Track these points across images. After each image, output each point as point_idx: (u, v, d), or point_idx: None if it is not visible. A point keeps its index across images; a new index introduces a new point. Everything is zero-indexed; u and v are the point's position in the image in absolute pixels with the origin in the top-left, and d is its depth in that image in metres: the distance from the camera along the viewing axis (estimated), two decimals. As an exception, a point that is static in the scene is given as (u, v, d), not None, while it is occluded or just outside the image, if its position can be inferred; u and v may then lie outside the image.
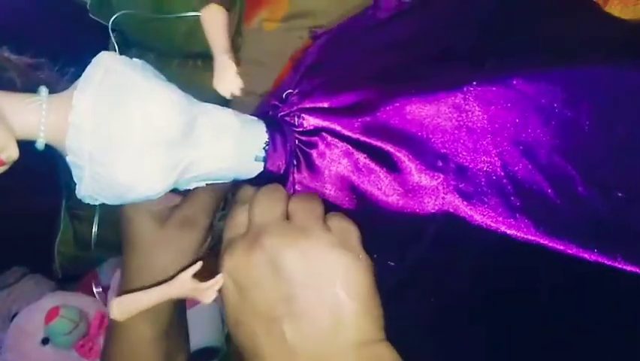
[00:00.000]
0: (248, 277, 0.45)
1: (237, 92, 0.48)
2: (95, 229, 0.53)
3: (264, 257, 0.44)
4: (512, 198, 0.50)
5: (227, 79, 0.48)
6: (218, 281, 0.48)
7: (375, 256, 0.51)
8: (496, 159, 0.50)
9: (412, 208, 0.52)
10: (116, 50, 0.47)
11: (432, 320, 0.55)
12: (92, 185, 0.45)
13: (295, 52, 0.77)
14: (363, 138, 0.52)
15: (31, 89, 0.44)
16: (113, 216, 1.11)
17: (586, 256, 0.49)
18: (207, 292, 0.48)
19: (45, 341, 1.06)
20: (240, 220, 0.49)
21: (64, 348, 1.06)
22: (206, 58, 1.03)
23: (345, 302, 0.43)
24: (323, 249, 0.45)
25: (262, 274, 0.44)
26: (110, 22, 0.50)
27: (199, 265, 0.49)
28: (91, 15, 1.05)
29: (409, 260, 0.53)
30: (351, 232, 0.48)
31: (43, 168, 1.12)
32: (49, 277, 1.25)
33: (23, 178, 1.07)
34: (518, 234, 0.50)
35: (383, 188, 0.52)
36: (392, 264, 0.53)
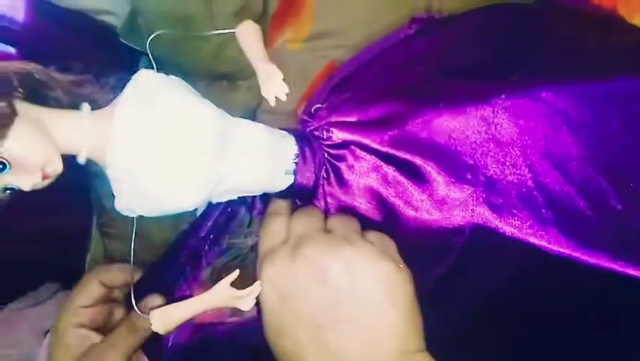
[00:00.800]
0: (291, 284, 0.45)
1: (284, 98, 0.49)
2: (132, 244, 0.55)
3: (308, 265, 0.44)
4: (543, 210, 0.50)
5: (274, 84, 0.49)
6: (255, 288, 0.48)
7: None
8: (526, 171, 0.51)
9: (440, 221, 0.52)
10: (153, 68, 0.48)
11: (457, 333, 0.55)
12: (130, 198, 0.46)
13: (320, 71, 0.78)
14: (391, 151, 0.52)
15: (75, 106, 0.46)
16: (144, 235, 1.14)
17: (619, 268, 0.49)
18: (246, 300, 0.49)
19: None
20: (277, 229, 0.50)
21: (95, 363, 1.06)
22: (231, 78, 1.04)
23: (389, 310, 0.43)
24: (366, 258, 0.45)
25: (306, 282, 0.44)
26: (148, 41, 0.51)
27: (236, 273, 0.50)
28: (121, 39, 1.08)
29: (436, 273, 0.54)
30: (389, 243, 0.49)
31: (76, 186, 1.15)
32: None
33: (56, 196, 1.10)
34: (550, 246, 0.50)
35: (412, 201, 0.53)
36: (418, 278, 0.54)
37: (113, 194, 0.48)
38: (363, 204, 0.54)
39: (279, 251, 0.47)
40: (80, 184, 1.16)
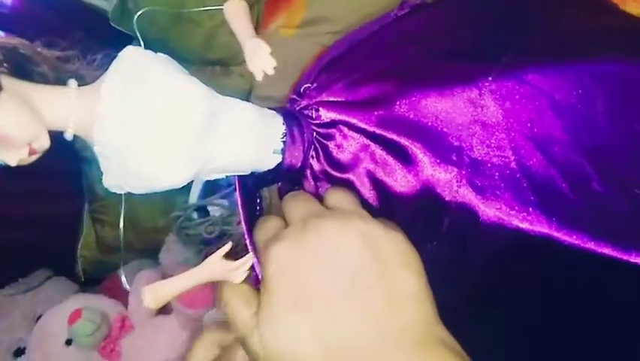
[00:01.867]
0: (305, 258, 0.43)
1: (271, 71, 0.49)
2: (121, 226, 0.54)
3: (321, 237, 0.42)
4: (526, 192, 0.50)
5: (261, 58, 0.48)
6: (248, 260, 0.48)
7: None
8: (511, 153, 0.50)
9: (427, 198, 0.52)
10: (141, 45, 0.48)
11: (445, 310, 0.55)
12: (119, 175, 0.46)
13: (313, 57, 0.77)
14: (379, 131, 0.52)
15: (62, 82, 0.46)
16: (134, 221, 1.14)
17: (600, 250, 0.48)
18: (237, 271, 0.49)
19: (68, 342, 1.07)
20: (274, 222, 0.48)
21: (87, 349, 1.06)
22: (224, 64, 1.04)
23: (409, 276, 0.42)
24: (378, 229, 0.43)
25: (321, 254, 0.42)
26: (135, 18, 0.51)
27: (229, 245, 0.50)
28: (112, 24, 1.07)
29: (427, 248, 0.54)
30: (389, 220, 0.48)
31: (67, 173, 1.15)
32: (72, 279, 1.26)
33: (47, 183, 1.10)
34: (532, 227, 0.50)
35: (399, 179, 0.53)
36: None
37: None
38: (355, 180, 0.54)
39: (285, 232, 0.44)
40: (71, 171, 1.16)
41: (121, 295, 1.15)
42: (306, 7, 0.88)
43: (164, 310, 1.12)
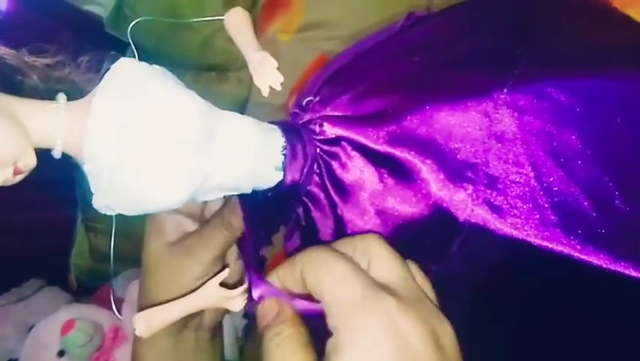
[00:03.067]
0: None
1: (278, 87, 0.45)
2: (112, 241, 0.50)
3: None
4: (547, 211, 0.46)
5: (268, 73, 0.45)
6: (246, 288, 0.45)
7: None
8: (530, 169, 0.47)
9: (438, 219, 0.48)
10: (135, 57, 0.44)
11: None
12: (110, 195, 0.42)
13: (311, 63, 0.74)
14: (388, 150, 0.48)
15: (51, 96, 0.42)
16: (128, 229, 1.10)
17: (622, 270, 0.45)
18: (236, 300, 0.45)
19: (61, 354, 1.05)
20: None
21: (79, 360, 1.03)
22: (221, 70, 1.00)
23: None
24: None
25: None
26: (129, 28, 0.47)
27: (226, 272, 0.46)
28: (107, 29, 1.03)
29: (433, 270, 0.50)
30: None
31: (60, 181, 1.11)
32: (65, 289, 1.22)
33: (40, 191, 1.06)
34: (552, 246, 0.46)
35: (407, 200, 0.49)
36: None
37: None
38: (359, 204, 0.50)
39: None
40: (64, 179, 1.12)
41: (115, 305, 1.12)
42: (303, 12, 0.85)
43: None
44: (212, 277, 0.47)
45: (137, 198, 0.42)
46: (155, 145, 0.41)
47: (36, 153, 0.41)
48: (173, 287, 0.49)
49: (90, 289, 1.22)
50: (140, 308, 0.49)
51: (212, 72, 1.02)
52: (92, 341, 1.04)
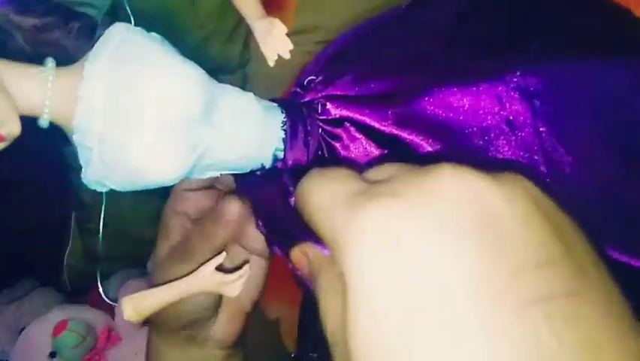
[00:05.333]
0: None
1: (287, 55, 0.41)
2: (100, 229, 0.46)
3: None
4: (556, 199, 0.43)
5: (277, 39, 0.40)
6: (245, 273, 0.40)
7: None
8: (540, 155, 0.43)
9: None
10: (131, 22, 0.40)
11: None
12: (101, 168, 0.37)
13: (303, 66, 0.72)
14: (394, 131, 0.44)
15: (39, 60, 0.38)
16: (122, 229, 1.06)
17: (633, 263, 0.42)
18: (233, 285, 0.41)
19: (53, 355, 1.01)
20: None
21: (71, 361, 0.99)
22: (214, 72, 0.97)
23: None
24: None
25: None
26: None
27: (223, 255, 0.42)
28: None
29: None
30: None
31: (53, 180, 1.07)
32: (58, 289, 1.17)
33: (33, 191, 1.02)
34: None
35: None
36: None
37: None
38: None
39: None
40: (57, 178, 1.08)
41: (108, 306, 1.08)
42: (296, 16, 0.83)
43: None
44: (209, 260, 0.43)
45: (129, 172, 0.37)
46: (150, 115, 0.37)
47: (25, 133, 0.37)
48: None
49: (84, 289, 1.17)
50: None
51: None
52: (84, 342, 1.00)
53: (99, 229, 1.08)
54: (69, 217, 1.12)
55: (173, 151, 0.37)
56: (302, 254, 0.33)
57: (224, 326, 0.49)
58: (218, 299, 0.47)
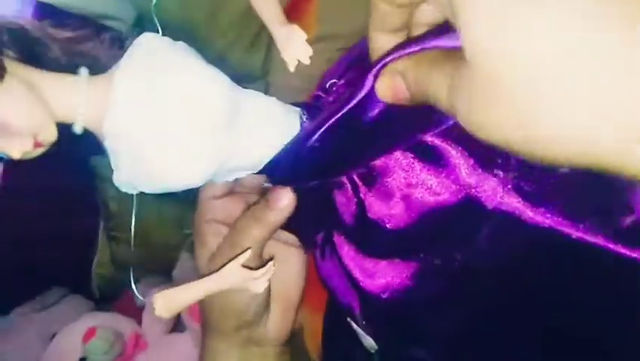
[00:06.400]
0: None
1: (307, 60, 0.42)
2: (132, 229, 0.47)
3: None
4: (580, 200, 0.42)
5: (296, 46, 0.41)
6: (270, 269, 0.41)
7: (421, 255, 0.46)
8: None
9: (464, 207, 0.45)
10: (158, 32, 0.41)
11: (483, 324, 0.47)
12: (131, 172, 0.39)
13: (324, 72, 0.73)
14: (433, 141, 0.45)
15: (74, 69, 0.39)
16: (148, 237, 1.07)
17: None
18: (259, 280, 0.42)
19: None
20: None
21: (101, 368, 1.01)
22: (234, 82, 0.98)
23: None
24: None
25: None
26: (153, 2, 0.45)
27: (249, 253, 0.42)
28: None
29: (458, 261, 0.46)
30: None
31: (82, 189, 1.09)
32: (87, 297, 1.19)
33: (62, 201, 1.04)
34: (589, 239, 0.42)
35: (433, 187, 0.45)
36: (438, 262, 0.46)
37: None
38: (383, 191, 0.47)
39: None
40: (86, 188, 1.10)
41: (135, 313, 1.11)
42: (317, 24, 0.83)
43: (178, 327, 1.07)
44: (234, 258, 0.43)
45: (157, 175, 0.38)
46: (178, 121, 0.38)
47: (58, 130, 0.38)
48: (223, 300, 0.46)
49: (112, 297, 1.19)
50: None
51: None
52: (112, 349, 1.02)
53: (127, 237, 1.10)
54: (97, 226, 1.14)
55: (198, 156, 0.38)
56: (393, 78, 0.34)
57: (278, 324, 0.50)
58: (268, 297, 0.48)
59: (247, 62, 0.73)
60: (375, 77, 0.36)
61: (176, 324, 1.07)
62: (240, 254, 0.43)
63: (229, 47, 0.93)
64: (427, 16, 0.36)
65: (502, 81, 0.24)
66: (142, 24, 0.98)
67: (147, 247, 1.06)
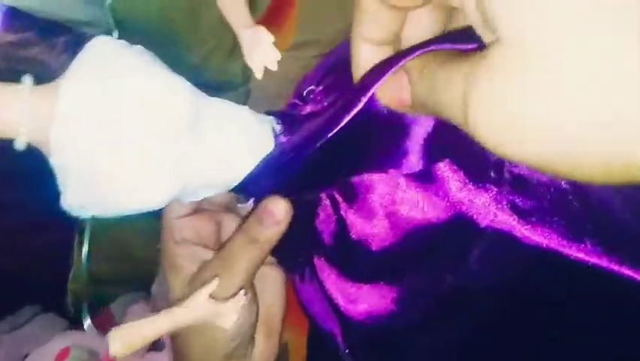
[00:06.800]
0: None
1: (274, 66, 0.38)
2: (84, 252, 0.43)
3: None
4: (580, 218, 0.39)
5: (262, 50, 0.37)
6: (240, 300, 0.37)
7: (407, 277, 0.43)
8: None
9: (454, 225, 0.41)
10: (114, 36, 0.37)
11: (473, 347, 0.44)
12: (81, 192, 0.34)
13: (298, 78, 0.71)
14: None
15: (16, 78, 0.35)
16: (127, 252, 1.03)
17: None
18: (228, 316, 0.38)
19: None
20: None
21: (74, 389, 0.97)
22: (215, 89, 0.95)
23: None
24: None
25: None
26: (107, 2, 0.40)
27: (216, 281, 0.38)
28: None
29: (448, 280, 0.42)
30: None
31: (54, 204, 1.04)
32: (61, 315, 1.14)
33: (34, 215, 0.99)
34: (587, 259, 0.38)
35: (419, 205, 0.42)
36: (425, 284, 0.43)
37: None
38: (364, 208, 0.43)
39: None
40: (59, 202, 1.05)
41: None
42: (296, 31, 0.81)
43: (157, 345, 1.02)
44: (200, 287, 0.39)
45: (112, 196, 0.34)
46: (134, 134, 0.34)
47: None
48: (210, 332, 0.41)
49: (88, 314, 1.14)
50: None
51: (207, 91, 0.96)
52: (87, 370, 0.97)
53: (102, 253, 1.05)
54: (72, 239, 1.09)
55: (159, 173, 0.34)
56: (399, 81, 0.31)
57: (263, 350, 0.46)
58: (255, 326, 0.44)
59: (228, 69, 0.71)
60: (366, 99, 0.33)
61: (155, 342, 1.02)
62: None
63: (209, 53, 0.91)
64: (418, 31, 0.33)
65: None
66: (121, 29, 0.95)
67: (128, 261, 1.02)
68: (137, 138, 0.33)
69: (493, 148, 0.25)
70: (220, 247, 0.44)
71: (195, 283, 0.42)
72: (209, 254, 0.43)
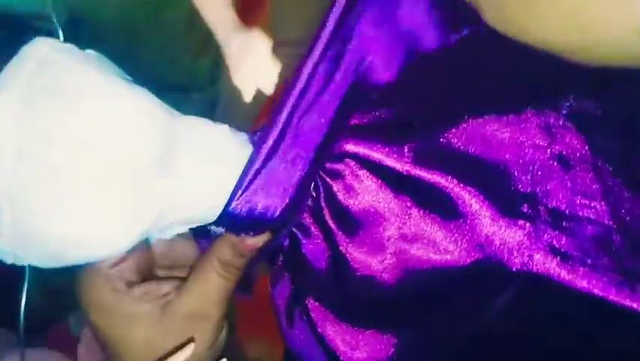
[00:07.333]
0: None
1: (269, 89, 0.30)
2: (22, 300, 0.35)
3: None
4: (626, 260, 0.33)
5: (255, 63, 0.30)
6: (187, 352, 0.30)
7: (416, 324, 0.37)
8: (604, 203, 0.33)
9: (479, 268, 0.34)
10: (59, 37, 0.29)
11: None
12: (14, 238, 0.26)
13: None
14: (414, 171, 0.34)
15: None
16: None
17: None
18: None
19: None
20: None
21: (25, 411, 0.90)
22: (182, 90, 0.90)
23: None
24: None
25: None
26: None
27: (191, 347, 0.31)
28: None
29: (463, 331, 0.36)
30: None
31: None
32: (13, 330, 1.06)
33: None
34: (636, 307, 0.32)
35: (438, 242, 0.35)
36: (437, 333, 0.37)
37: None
38: (369, 242, 0.36)
39: None
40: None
41: (69, 347, 1.02)
42: (270, 31, 0.77)
43: None
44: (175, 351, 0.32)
45: (53, 245, 0.26)
46: (83, 168, 0.26)
47: None
48: None
49: (42, 329, 1.07)
50: None
51: (173, 93, 0.91)
52: (40, 390, 0.91)
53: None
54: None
55: (117, 215, 0.26)
56: None
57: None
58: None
59: (195, 70, 0.66)
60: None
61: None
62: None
63: (175, 54, 0.87)
64: None
65: None
66: (78, 25, 0.86)
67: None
68: (89, 174, 0.25)
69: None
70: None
71: (165, 314, 0.34)
72: (168, 285, 0.35)
